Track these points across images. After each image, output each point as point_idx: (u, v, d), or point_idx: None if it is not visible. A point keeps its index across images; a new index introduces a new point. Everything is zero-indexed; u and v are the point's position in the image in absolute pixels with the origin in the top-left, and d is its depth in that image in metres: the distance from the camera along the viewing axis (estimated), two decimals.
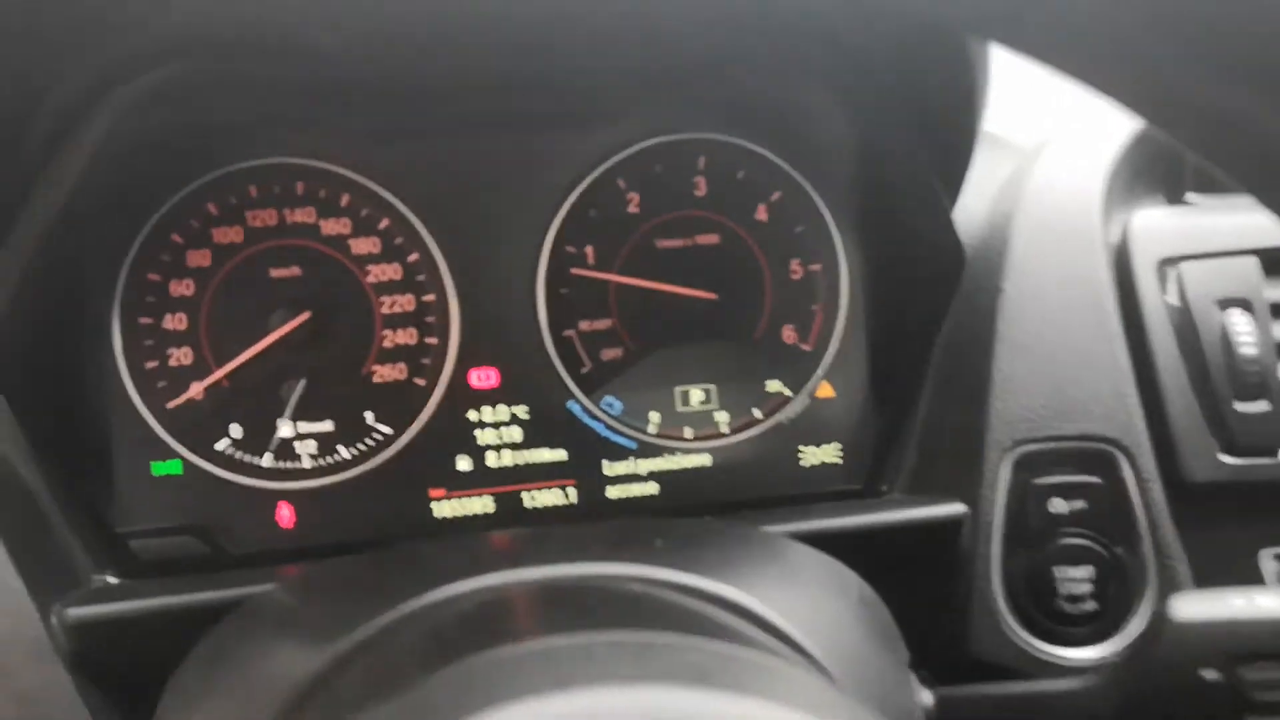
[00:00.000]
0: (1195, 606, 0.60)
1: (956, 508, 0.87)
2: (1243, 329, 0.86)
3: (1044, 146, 0.99)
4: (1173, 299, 0.89)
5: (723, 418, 0.98)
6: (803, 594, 0.65)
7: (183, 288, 0.92)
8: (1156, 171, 0.99)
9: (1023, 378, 0.88)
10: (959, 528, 0.87)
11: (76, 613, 0.78)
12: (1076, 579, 0.85)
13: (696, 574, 0.59)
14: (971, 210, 0.96)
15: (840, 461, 0.99)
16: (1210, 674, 0.58)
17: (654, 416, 0.97)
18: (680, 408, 0.98)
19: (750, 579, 0.62)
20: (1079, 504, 0.86)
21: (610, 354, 0.97)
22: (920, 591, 0.79)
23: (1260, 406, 0.85)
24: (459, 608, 0.55)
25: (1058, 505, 0.86)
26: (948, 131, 0.88)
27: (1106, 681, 0.73)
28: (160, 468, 0.92)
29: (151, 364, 0.91)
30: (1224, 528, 0.86)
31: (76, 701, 0.77)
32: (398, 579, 0.63)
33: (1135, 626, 0.84)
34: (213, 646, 0.71)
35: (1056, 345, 0.89)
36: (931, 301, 0.94)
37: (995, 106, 0.91)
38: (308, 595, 0.71)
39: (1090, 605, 0.85)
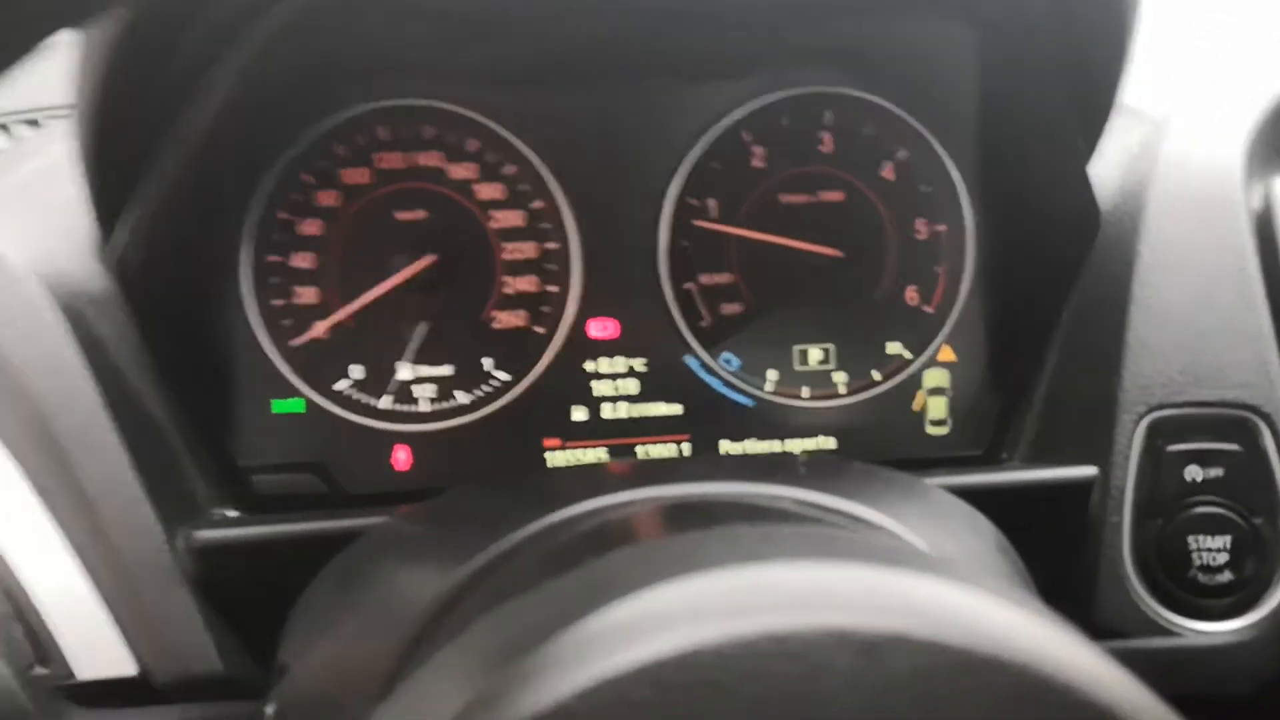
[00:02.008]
0: None
1: (1087, 470, 0.85)
2: None
3: (1176, 114, 0.97)
4: None
5: (841, 378, 0.97)
6: (943, 529, 0.64)
7: (311, 227, 0.92)
8: None
9: (1159, 342, 0.86)
10: (1089, 491, 0.85)
11: (202, 536, 0.79)
12: (1212, 549, 0.82)
13: (840, 497, 0.58)
14: (1101, 176, 0.94)
15: (961, 427, 0.97)
16: None
17: (771, 375, 0.96)
18: (798, 367, 0.97)
19: (892, 508, 0.61)
20: (1216, 472, 0.83)
21: (729, 309, 0.96)
22: (1045, 558, 0.77)
23: None
24: (603, 520, 0.54)
25: (1193, 472, 0.84)
26: (1093, 78, 0.86)
27: (1247, 649, 0.71)
28: (281, 405, 0.92)
29: (278, 302, 0.92)
30: None
31: (200, 623, 0.78)
32: (533, 498, 0.63)
33: (1275, 599, 0.82)
34: (339, 571, 0.71)
35: (1195, 310, 0.86)
36: (1062, 265, 0.92)
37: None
38: (436, 520, 0.71)
39: (1226, 576, 0.82)
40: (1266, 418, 0.84)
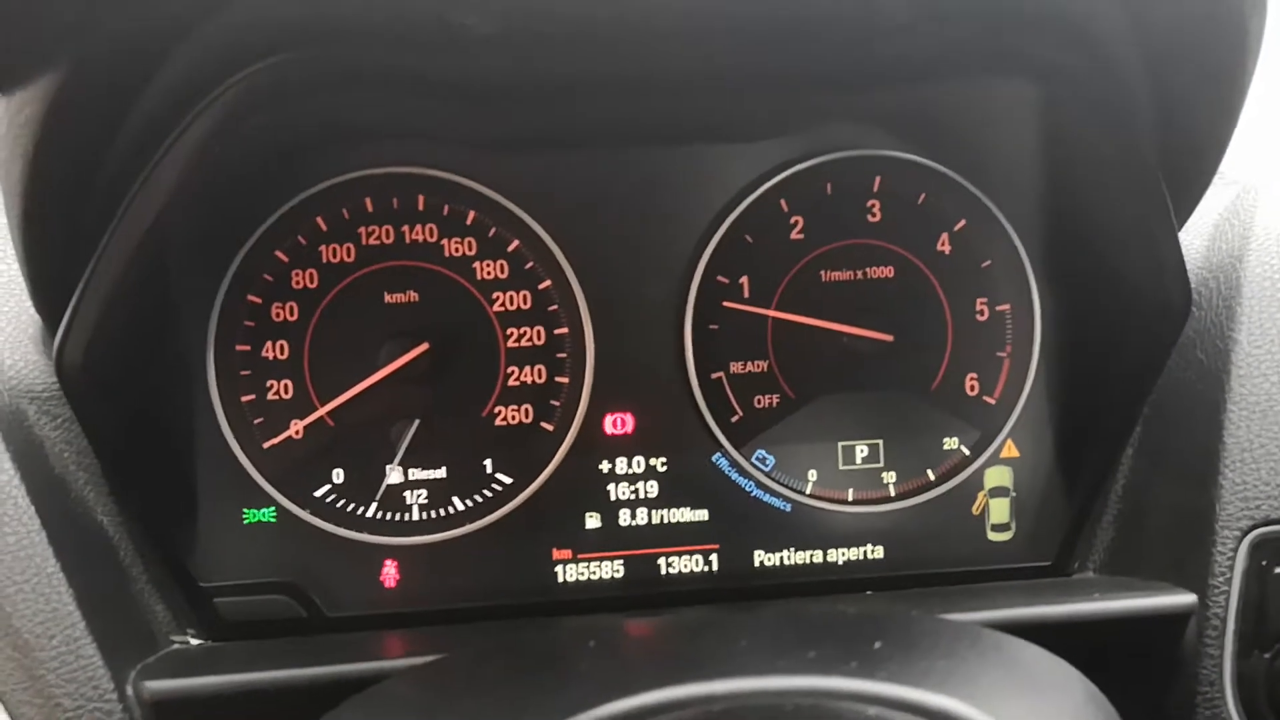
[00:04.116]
0: None
1: (1185, 598, 0.73)
2: None
3: (1268, 181, 0.86)
4: None
5: (890, 478, 0.86)
6: (1035, 696, 0.53)
7: (285, 312, 0.82)
8: None
9: (1264, 447, 0.75)
10: (1185, 622, 0.73)
11: (155, 686, 0.68)
12: None
13: (925, 690, 0.47)
14: (1185, 247, 0.83)
15: (1027, 533, 0.86)
16: None
17: (811, 475, 0.86)
18: (842, 465, 0.86)
19: (974, 684, 0.50)
20: None
21: (764, 401, 0.86)
22: (1130, 697, 0.66)
23: None
24: None
25: None
26: (1191, 131, 0.75)
27: None
28: (253, 515, 0.82)
29: (248, 398, 0.81)
30: None
31: None
32: (554, 679, 0.51)
33: None
34: None
35: None
36: (1145, 351, 0.81)
37: None
38: (438, 693, 0.59)
39: None
40: None
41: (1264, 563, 0.74)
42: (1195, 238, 0.85)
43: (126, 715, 0.67)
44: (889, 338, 0.85)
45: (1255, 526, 0.74)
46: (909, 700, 0.46)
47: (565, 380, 0.84)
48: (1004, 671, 0.59)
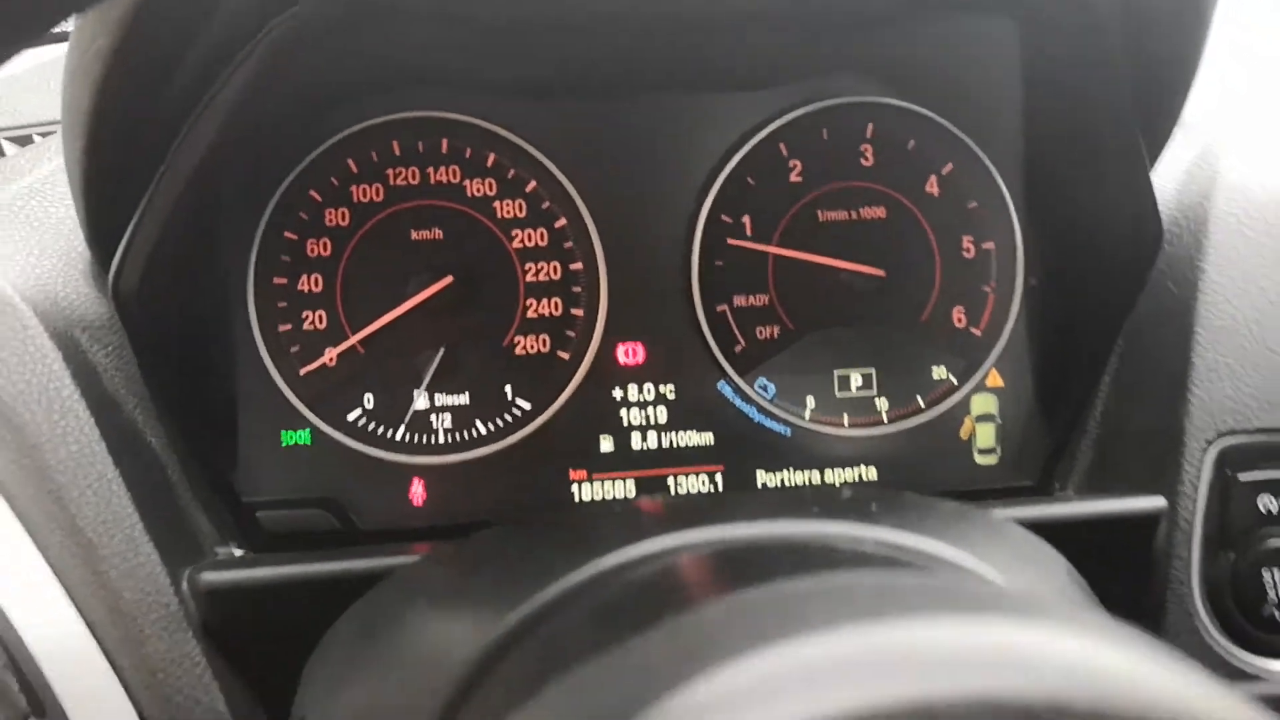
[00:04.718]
0: None
1: (1155, 501, 0.79)
2: None
3: (1235, 128, 0.92)
4: None
5: (883, 405, 0.92)
6: (1021, 563, 0.58)
7: (319, 247, 0.87)
8: None
9: (1227, 366, 0.81)
10: (1155, 524, 0.79)
11: (209, 578, 0.73)
12: None
13: (918, 535, 0.53)
14: (1158, 189, 0.89)
15: (1011, 456, 0.92)
16: None
17: (809, 401, 0.91)
18: (838, 393, 0.91)
19: (967, 544, 0.56)
20: None
21: (765, 332, 0.91)
22: (1106, 597, 0.72)
23: None
24: (666, 566, 0.49)
25: (1267, 503, 0.79)
26: (1160, 75, 0.81)
27: None
28: (290, 436, 0.87)
29: (285, 327, 0.87)
30: None
31: (205, 672, 0.72)
32: (578, 539, 0.57)
33: None
34: (362, 618, 0.65)
35: (1266, 332, 0.81)
36: (1121, 282, 0.87)
37: None
38: (468, 563, 0.65)
39: None
40: None
41: (1228, 470, 0.80)
42: (1168, 182, 0.91)
43: (181, 606, 0.73)
44: (881, 273, 0.91)
45: (1220, 436, 0.80)
46: (904, 544, 0.52)
47: (580, 312, 0.89)
48: (994, 533, 0.65)
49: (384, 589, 0.66)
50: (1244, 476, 0.79)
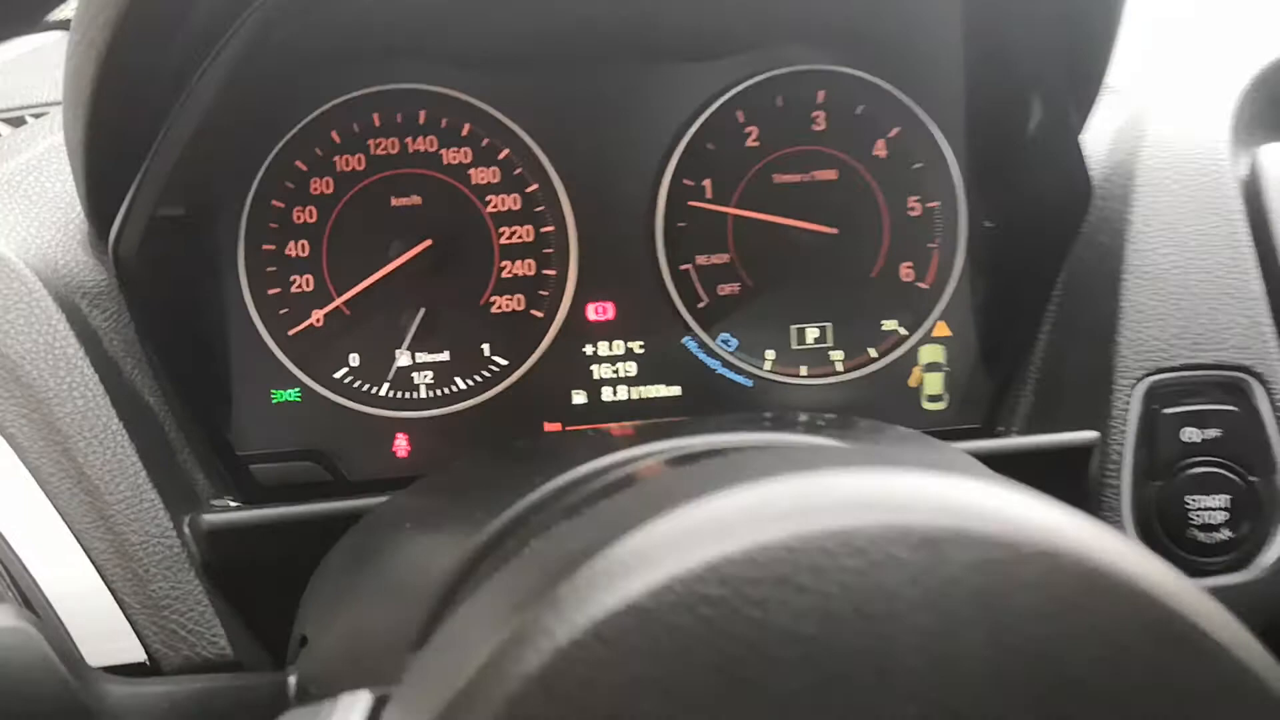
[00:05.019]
0: None
1: (1088, 435, 0.86)
2: None
3: (1160, 92, 0.99)
4: None
5: (838, 356, 0.98)
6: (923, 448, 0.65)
7: (305, 215, 0.92)
8: (1277, 114, 0.98)
9: (1153, 309, 0.87)
10: (1089, 456, 0.85)
11: (210, 520, 0.79)
12: (1210, 508, 0.84)
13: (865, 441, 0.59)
14: (1090, 151, 0.95)
15: (958, 402, 0.98)
16: None
17: (769, 354, 0.97)
18: (795, 345, 0.97)
19: (908, 448, 0.62)
20: (1212, 433, 0.85)
21: (727, 289, 0.97)
22: None
23: None
24: (633, 466, 0.54)
25: (1190, 434, 0.85)
26: (1084, 48, 0.87)
27: (1242, 603, 0.71)
28: (280, 394, 0.92)
29: (274, 290, 0.92)
30: None
31: (208, 609, 0.77)
32: (550, 457, 0.63)
33: (1271, 554, 0.83)
34: (355, 544, 0.71)
35: (1188, 276, 0.88)
36: (1055, 237, 0.93)
37: None
38: (449, 488, 0.70)
39: (1225, 534, 0.84)
40: (1260, 378, 0.85)
41: (1154, 406, 0.86)
42: (1100, 142, 0.97)
43: (184, 549, 0.78)
44: (833, 231, 0.97)
45: (1147, 375, 0.87)
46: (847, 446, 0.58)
47: (553, 273, 0.95)
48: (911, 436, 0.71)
49: (369, 519, 0.72)
50: (1168, 411, 0.85)
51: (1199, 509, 0.84)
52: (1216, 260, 0.88)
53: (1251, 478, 0.84)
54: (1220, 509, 0.84)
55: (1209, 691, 0.35)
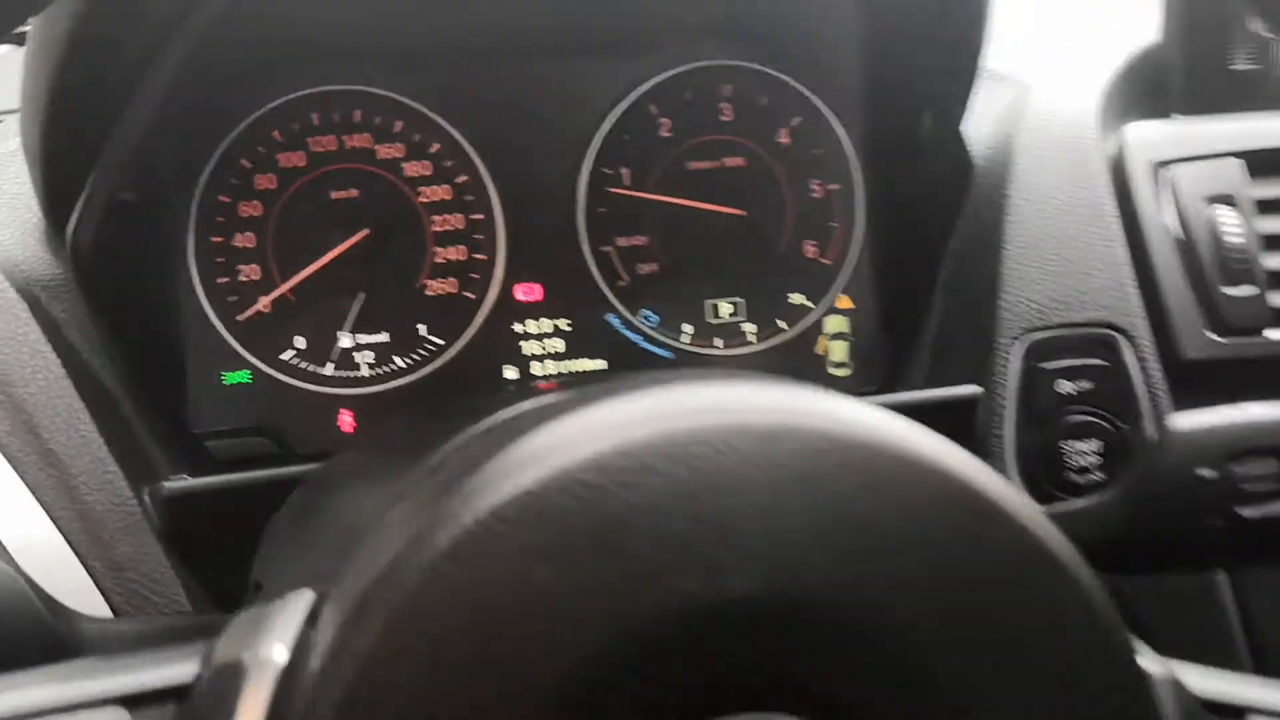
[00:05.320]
0: (1194, 419, 0.68)
1: (971, 389, 0.94)
2: (1229, 222, 0.93)
3: (1039, 77, 1.08)
4: (1166, 198, 0.97)
5: (750, 329, 1.05)
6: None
7: (251, 208, 0.99)
8: (1145, 95, 1.07)
9: (1030, 274, 0.96)
10: (974, 408, 0.94)
11: (169, 488, 0.85)
12: (1084, 452, 0.92)
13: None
14: (975, 133, 1.04)
15: (861, 367, 1.06)
16: (1206, 472, 0.65)
17: (687, 328, 1.05)
18: (711, 320, 1.05)
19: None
20: (1085, 384, 0.93)
21: (646, 269, 1.04)
22: None
23: (1246, 290, 0.92)
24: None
25: (1065, 386, 0.93)
26: (959, 47, 0.96)
27: (1115, 495, 0.78)
28: (231, 377, 0.98)
29: (223, 279, 0.98)
30: (1216, 401, 0.93)
31: (168, 572, 0.84)
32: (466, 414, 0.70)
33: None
34: (301, 499, 0.78)
35: (1061, 244, 0.96)
36: (941, 213, 1.02)
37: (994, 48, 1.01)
38: (384, 446, 0.77)
39: (1098, 476, 0.92)
40: (1126, 334, 0.94)
41: (1033, 361, 0.94)
42: (983, 124, 1.06)
43: (145, 516, 0.84)
44: (743, 213, 1.05)
45: (1025, 333, 0.95)
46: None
47: (483, 257, 1.02)
48: None
49: (313, 478, 0.79)
50: (1046, 366, 0.94)
51: (1074, 453, 0.92)
52: (1086, 229, 0.96)
53: (1121, 424, 0.93)
54: (1093, 453, 0.92)
55: (999, 554, 0.43)
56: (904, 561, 0.41)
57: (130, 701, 0.43)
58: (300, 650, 0.42)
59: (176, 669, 0.45)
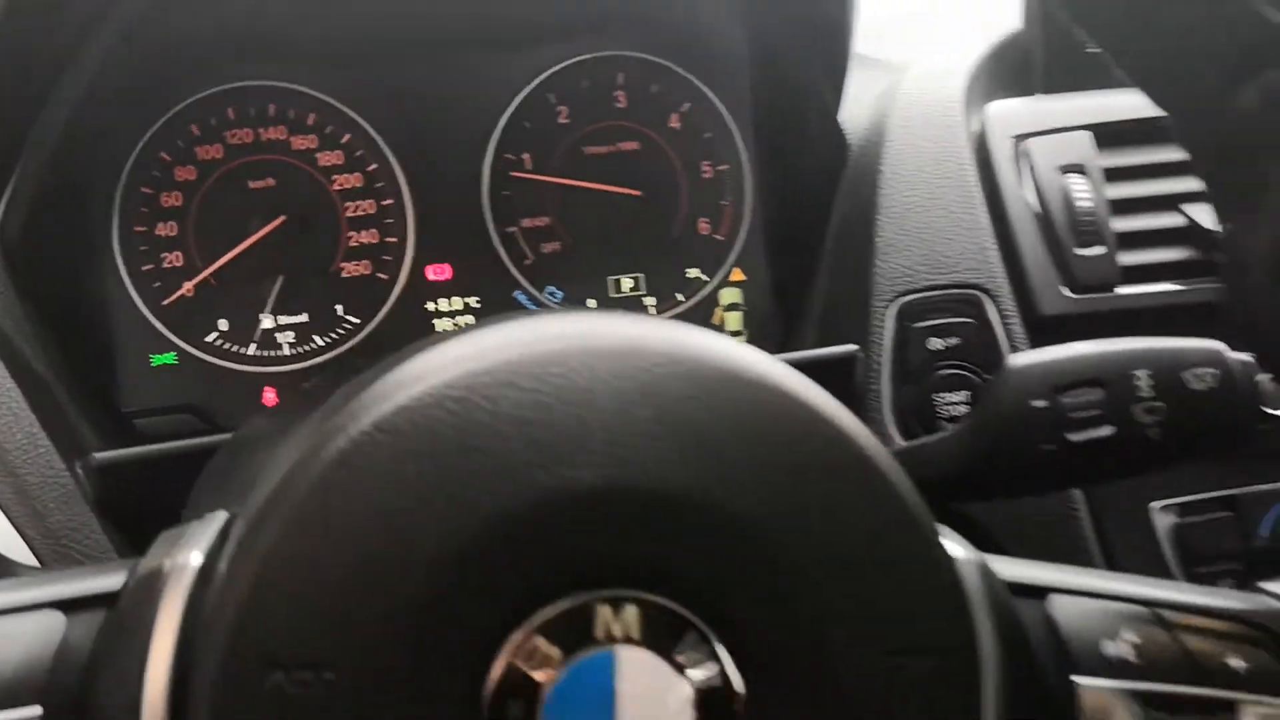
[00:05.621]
0: (1028, 357, 0.76)
1: (850, 348, 1.02)
2: (1080, 189, 1.02)
3: (912, 61, 1.16)
4: (1024, 169, 1.05)
5: (651, 301, 1.13)
6: None
7: (172, 199, 1.04)
8: (1009, 77, 1.16)
9: (901, 242, 1.03)
10: (852, 365, 1.01)
11: (100, 458, 0.90)
12: (954, 403, 1.00)
13: None
14: (854, 115, 1.12)
15: (755, 335, 1.14)
16: (1038, 403, 0.73)
17: (591, 303, 1.12)
18: (613, 294, 1.12)
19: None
20: (953, 340, 1.01)
21: (549, 248, 1.11)
22: None
23: (1096, 251, 1.01)
24: None
25: (935, 343, 1.01)
26: (831, 40, 1.04)
27: (965, 429, 0.85)
28: (159, 359, 1.04)
29: (148, 267, 1.04)
30: None
31: (101, 536, 0.89)
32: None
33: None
34: (219, 457, 0.83)
35: (929, 214, 1.04)
36: (822, 189, 1.09)
37: (876, 36, 1.10)
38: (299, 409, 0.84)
39: None
40: (989, 293, 1.02)
41: (906, 321, 1.02)
42: (864, 107, 1.14)
43: (78, 486, 0.90)
44: (639, 193, 1.12)
45: (898, 296, 1.03)
46: None
47: (394, 240, 1.08)
48: None
49: (233, 437, 0.84)
50: (918, 325, 1.01)
51: (945, 404, 1.00)
52: (952, 200, 1.04)
53: (986, 376, 1.01)
54: (962, 403, 1.00)
55: (817, 453, 0.49)
56: (732, 458, 0.48)
57: (66, 606, 0.49)
58: (212, 557, 0.48)
59: (108, 579, 0.51)
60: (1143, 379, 0.73)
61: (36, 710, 0.46)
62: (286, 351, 1.06)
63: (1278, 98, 0.52)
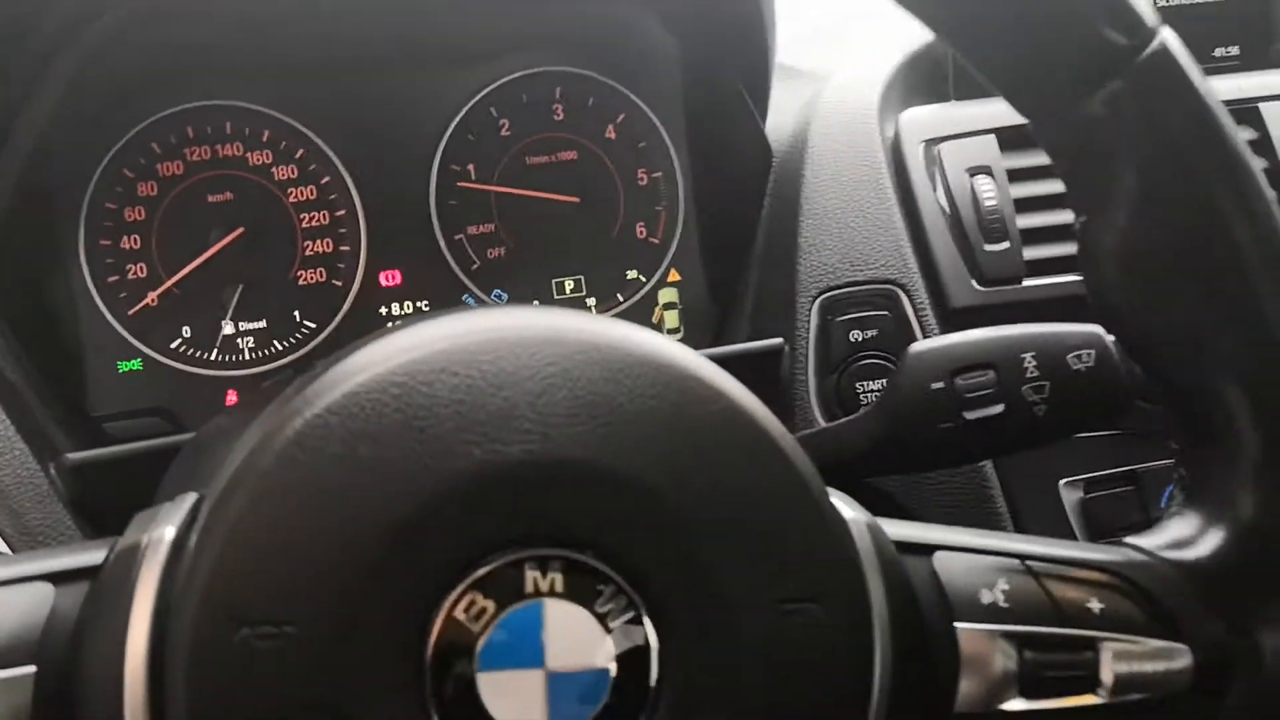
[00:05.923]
0: (928, 344, 0.83)
1: (776, 341, 1.08)
2: (986, 189, 1.10)
3: (833, 72, 1.24)
4: (935, 171, 1.13)
5: (592, 302, 1.19)
6: None
7: (135, 213, 1.10)
8: (924, 87, 1.23)
9: (822, 242, 1.10)
10: (779, 357, 1.08)
11: (73, 458, 0.95)
12: (873, 390, 1.07)
13: None
14: (779, 123, 1.20)
15: (692, 333, 1.20)
16: (937, 384, 0.81)
17: (535, 303, 1.18)
18: (557, 296, 1.19)
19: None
20: (872, 332, 1.08)
21: (495, 253, 1.18)
22: None
23: (1002, 247, 1.08)
24: None
25: (856, 335, 1.07)
26: (751, 55, 1.11)
27: (871, 410, 0.92)
28: (125, 365, 1.09)
29: (113, 278, 1.09)
30: None
31: (76, 534, 0.95)
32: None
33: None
34: (184, 454, 0.89)
35: (847, 215, 1.11)
36: (750, 193, 1.16)
37: (803, 49, 1.18)
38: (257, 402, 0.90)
39: None
40: (904, 288, 1.08)
41: (828, 316, 1.09)
42: (789, 115, 1.21)
43: (52, 486, 0.95)
44: (578, 200, 1.19)
45: (821, 293, 1.10)
46: None
47: (348, 248, 1.14)
48: None
49: (197, 434, 0.90)
50: (839, 319, 1.08)
51: (865, 392, 1.07)
52: (869, 201, 1.11)
53: None
54: (880, 390, 1.08)
55: (715, 424, 0.56)
56: (640, 431, 0.54)
57: (55, 578, 0.55)
58: (184, 532, 0.54)
59: (92, 554, 0.57)
60: (1029, 361, 0.81)
61: (31, 669, 0.51)
62: (248, 356, 1.12)
63: (1121, 106, 0.60)
